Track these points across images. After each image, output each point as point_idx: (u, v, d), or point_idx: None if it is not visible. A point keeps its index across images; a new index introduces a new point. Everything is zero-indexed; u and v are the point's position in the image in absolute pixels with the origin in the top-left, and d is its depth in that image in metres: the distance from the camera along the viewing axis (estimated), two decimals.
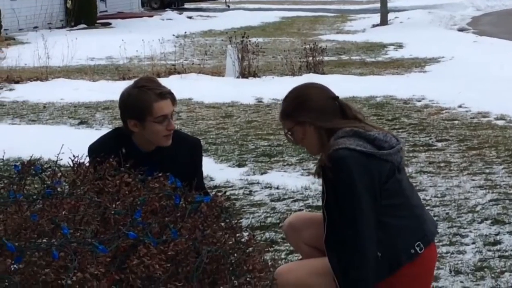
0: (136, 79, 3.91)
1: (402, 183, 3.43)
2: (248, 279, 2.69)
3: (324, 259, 3.45)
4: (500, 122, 9.32)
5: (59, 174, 2.77)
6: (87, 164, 2.89)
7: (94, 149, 3.57)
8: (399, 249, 3.36)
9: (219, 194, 2.94)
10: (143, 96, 3.58)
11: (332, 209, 3.37)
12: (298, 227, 3.85)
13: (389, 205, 3.35)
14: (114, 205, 2.66)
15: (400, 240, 3.37)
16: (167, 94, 3.64)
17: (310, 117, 3.43)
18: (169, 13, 32.83)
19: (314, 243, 3.69)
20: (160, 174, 2.87)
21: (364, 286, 3.32)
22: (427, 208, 5.91)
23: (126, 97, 3.65)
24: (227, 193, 5.97)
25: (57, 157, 2.85)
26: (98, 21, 28.17)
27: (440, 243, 5.21)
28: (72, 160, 2.84)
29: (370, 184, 3.29)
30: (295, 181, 6.78)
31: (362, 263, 3.29)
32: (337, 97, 3.53)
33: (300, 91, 3.56)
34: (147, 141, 3.67)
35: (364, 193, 3.27)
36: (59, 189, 2.71)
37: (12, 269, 2.32)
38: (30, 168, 2.79)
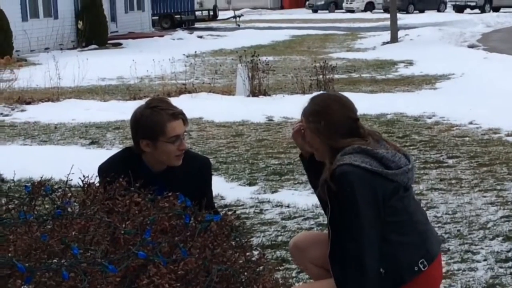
0: (148, 99, 3.93)
1: (405, 201, 3.42)
2: None
3: (330, 281, 3.45)
4: (511, 139, 9.29)
5: (69, 194, 2.78)
6: (97, 184, 2.90)
7: (104, 169, 3.58)
8: (402, 266, 3.36)
9: (229, 213, 2.94)
10: (157, 117, 3.60)
11: (336, 224, 3.38)
12: (303, 247, 3.84)
13: (392, 222, 3.34)
14: (124, 225, 2.67)
15: (403, 257, 3.36)
16: (180, 115, 3.66)
17: (322, 132, 3.44)
18: (180, 33, 33.03)
19: (321, 263, 3.68)
20: (170, 194, 2.88)
21: None
22: (438, 225, 5.92)
23: (138, 117, 3.67)
24: (238, 212, 5.98)
25: (67, 177, 2.87)
26: (109, 42, 28.35)
27: (452, 260, 5.19)
28: (82, 180, 2.85)
29: (373, 200, 3.29)
30: (305, 200, 6.78)
31: (362, 279, 3.29)
32: (357, 119, 3.51)
33: (323, 102, 3.54)
34: (157, 161, 3.68)
35: (366, 209, 3.27)
36: (69, 209, 2.72)
37: None
38: (40, 188, 2.80)
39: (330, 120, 3.44)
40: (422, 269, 3.38)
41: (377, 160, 3.35)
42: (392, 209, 3.34)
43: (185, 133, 3.72)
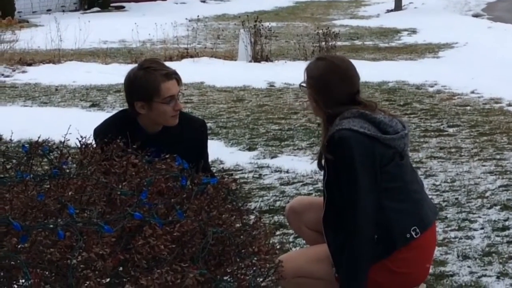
0: (140, 61, 3.92)
1: (402, 168, 3.42)
2: (253, 261, 2.70)
3: (324, 246, 3.46)
4: None
5: (67, 155, 2.78)
6: (94, 145, 2.89)
7: (100, 131, 3.58)
8: (394, 232, 3.37)
9: (227, 176, 2.94)
10: (150, 78, 3.59)
11: (332, 188, 3.39)
12: (299, 211, 3.86)
13: (387, 188, 3.35)
14: (120, 186, 2.67)
15: (396, 223, 3.37)
16: (173, 75, 3.64)
17: (320, 99, 3.45)
18: None
19: (315, 226, 3.70)
20: (167, 156, 2.88)
21: (358, 265, 3.33)
22: (436, 193, 5.94)
23: (132, 79, 3.65)
24: (237, 177, 5.99)
25: (65, 137, 2.86)
26: (112, 4, 28.16)
27: (449, 228, 5.21)
28: (80, 141, 2.84)
29: (371, 165, 3.30)
30: (305, 165, 6.78)
31: (358, 242, 3.30)
32: (356, 92, 3.49)
33: (325, 71, 3.49)
34: (153, 122, 3.68)
35: (364, 174, 3.28)
36: (66, 170, 2.72)
37: (18, 248, 2.33)
38: (38, 148, 2.80)
39: (328, 93, 3.44)
40: (414, 236, 3.39)
41: (375, 125, 3.36)
42: (389, 175, 3.35)
43: (180, 94, 3.71)
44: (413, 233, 3.39)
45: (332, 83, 3.45)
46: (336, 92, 3.44)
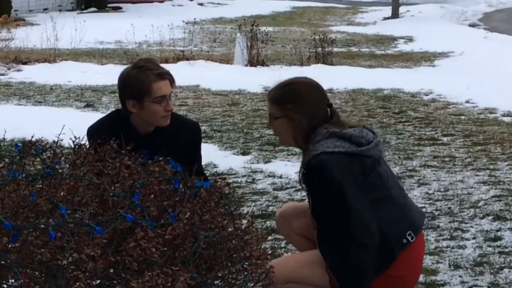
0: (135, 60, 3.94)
1: (382, 176, 3.41)
2: (245, 266, 2.69)
3: (316, 251, 3.46)
4: (507, 119, 9.29)
5: (60, 155, 2.77)
6: (88, 146, 2.88)
7: (93, 132, 3.57)
8: (391, 241, 3.36)
9: (220, 180, 2.93)
10: (142, 76, 3.59)
11: (319, 214, 3.38)
12: (288, 218, 3.86)
13: (374, 199, 3.34)
14: (113, 187, 2.66)
15: (390, 232, 3.36)
16: (166, 75, 3.64)
17: (307, 119, 3.40)
18: None
19: (305, 232, 3.69)
20: (161, 158, 2.87)
21: (364, 276, 3.33)
22: (429, 202, 5.94)
23: (125, 77, 3.66)
24: (230, 181, 5.97)
25: (58, 137, 2.85)
26: (109, 5, 28.17)
27: (441, 237, 5.20)
28: (73, 141, 2.83)
29: (354, 182, 3.28)
30: (298, 171, 6.76)
31: (361, 254, 3.29)
32: (331, 104, 3.51)
33: (296, 86, 3.52)
34: (145, 122, 3.67)
35: (351, 190, 3.26)
36: (59, 170, 2.70)
37: (9, 247, 2.32)
38: (31, 148, 2.78)
39: (314, 109, 3.41)
40: (410, 240, 3.39)
41: (347, 140, 3.33)
42: (372, 185, 3.33)
43: (173, 94, 3.71)
44: (409, 238, 3.39)
45: (315, 98, 3.45)
46: (320, 107, 3.43)
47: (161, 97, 3.59)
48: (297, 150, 7.57)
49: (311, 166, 3.30)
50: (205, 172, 4.16)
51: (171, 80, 3.66)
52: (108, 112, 9.10)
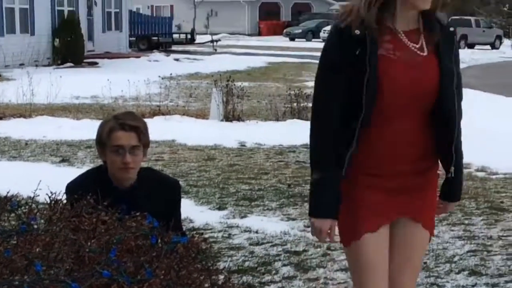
0: None
1: None
2: None
3: None
4: (481, 174, 9.37)
5: (35, 210, 2.75)
6: (64, 201, 2.87)
7: (72, 187, 3.56)
8: None
9: (197, 236, 2.93)
10: (108, 124, 3.67)
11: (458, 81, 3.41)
12: None
13: None
14: (89, 243, 2.64)
15: None
16: (132, 128, 3.63)
17: None
18: (156, 55, 33.04)
19: None
20: (138, 214, 2.86)
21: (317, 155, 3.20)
22: None
23: (100, 124, 3.77)
24: (206, 236, 5.95)
25: (34, 193, 2.84)
26: (85, 60, 28.26)
27: None
28: (49, 197, 2.82)
29: None
30: (274, 226, 6.77)
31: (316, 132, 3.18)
32: None
33: None
34: (112, 175, 3.68)
35: None
36: (34, 226, 2.69)
37: None
38: (6, 203, 2.77)
39: None
40: None
41: None
42: None
43: (138, 149, 3.65)
44: None
45: None
46: None
47: (117, 146, 3.59)
48: (273, 205, 7.60)
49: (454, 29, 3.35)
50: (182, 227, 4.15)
51: (138, 134, 3.64)
52: (84, 166, 9.17)
